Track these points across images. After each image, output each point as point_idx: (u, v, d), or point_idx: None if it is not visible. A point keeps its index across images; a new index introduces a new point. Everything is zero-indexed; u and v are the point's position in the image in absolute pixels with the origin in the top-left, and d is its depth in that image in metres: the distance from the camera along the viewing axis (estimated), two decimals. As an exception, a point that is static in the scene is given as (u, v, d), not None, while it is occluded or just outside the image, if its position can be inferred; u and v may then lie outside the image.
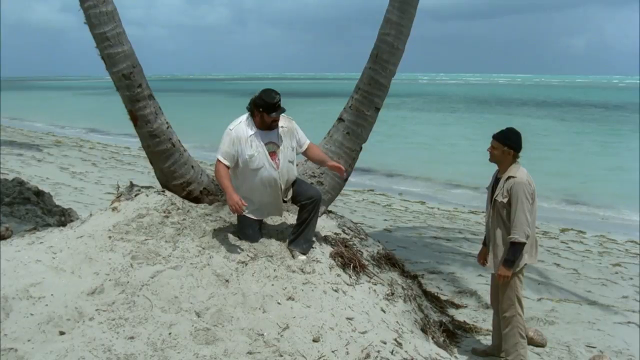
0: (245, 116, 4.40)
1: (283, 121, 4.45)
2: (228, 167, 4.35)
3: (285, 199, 4.55)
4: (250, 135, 4.31)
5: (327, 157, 4.69)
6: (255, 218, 4.51)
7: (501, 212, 4.34)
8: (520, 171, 4.33)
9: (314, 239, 4.57)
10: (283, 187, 4.45)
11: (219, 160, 4.35)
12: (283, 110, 4.30)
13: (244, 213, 4.42)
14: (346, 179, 5.63)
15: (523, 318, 4.50)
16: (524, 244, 4.27)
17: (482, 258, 4.77)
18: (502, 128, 4.45)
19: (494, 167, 4.53)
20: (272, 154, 4.36)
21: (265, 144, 4.34)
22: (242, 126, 4.35)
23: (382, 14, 5.41)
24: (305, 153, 4.65)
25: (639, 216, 12.00)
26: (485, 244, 4.75)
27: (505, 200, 4.29)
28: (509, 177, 4.31)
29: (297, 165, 4.79)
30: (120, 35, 4.69)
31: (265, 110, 4.23)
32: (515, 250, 4.28)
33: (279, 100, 4.25)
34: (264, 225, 4.68)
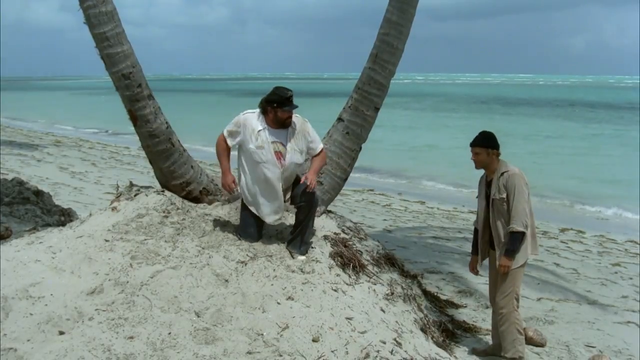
0: (258, 110, 4.38)
1: (296, 122, 4.40)
2: (228, 145, 4.41)
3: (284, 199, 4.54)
4: (260, 130, 4.29)
5: (312, 169, 4.46)
6: (254, 212, 4.48)
7: (501, 208, 4.36)
8: (510, 165, 4.43)
9: (311, 240, 4.56)
10: (284, 186, 4.45)
11: (222, 135, 4.41)
12: (296, 107, 4.29)
13: (247, 205, 4.46)
14: (345, 179, 5.63)
15: (520, 314, 4.51)
16: (523, 233, 4.29)
17: (474, 267, 4.81)
18: (476, 134, 4.51)
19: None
20: (278, 153, 4.33)
21: (272, 142, 4.32)
22: (253, 117, 4.35)
23: (382, 14, 5.42)
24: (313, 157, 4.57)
25: (639, 216, 12.00)
26: (474, 252, 4.77)
27: (503, 195, 4.33)
28: (502, 173, 4.36)
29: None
30: (120, 35, 4.69)
31: (279, 105, 4.22)
32: (514, 239, 4.31)
33: (292, 95, 4.26)
34: (264, 225, 4.67)
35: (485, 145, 4.40)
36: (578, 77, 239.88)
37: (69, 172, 14.50)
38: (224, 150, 4.45)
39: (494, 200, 4.39)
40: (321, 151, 4.56)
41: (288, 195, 4.55)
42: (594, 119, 36.14)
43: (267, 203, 4.45)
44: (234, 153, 4.52)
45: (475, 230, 4.73)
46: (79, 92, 78.74)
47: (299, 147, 4.40)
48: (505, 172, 4.35)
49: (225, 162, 4.46)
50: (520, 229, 4.27)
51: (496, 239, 4.47)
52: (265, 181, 4.36)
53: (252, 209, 4.48)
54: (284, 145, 4.34)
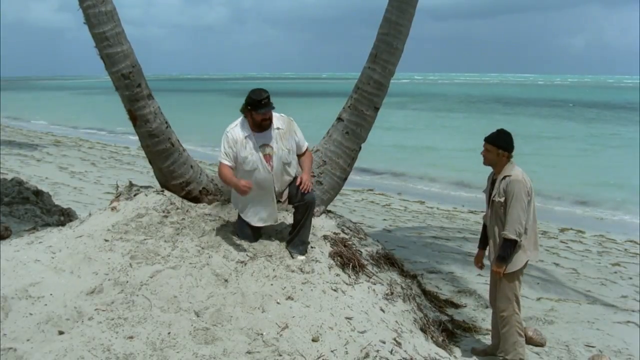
0: (240, 119, 4.41)
1: (280, 122, 4.41)
2: (232, 168, 4.33)
3: (281, 200, 4.55)
4: (245, 137, 4.30)
5: (305, 170, 4.48)
6: (251, 224, 4.49)
7: (499, 211, 4.36)
8: (515, 170, 4.36)
9: (310, 240, 4.56)
10: (277, 189, 4.45)
11: (221, 163, 4.35)
12: (272, 107, 4.28)
13: (242, 216, 4.43)
14: (345, 179, 5.63)
15: (520, 316, 4.50)
16: (515, 241, 4.28)
17: (479, 261, 4.81)
18: (493, 130, 4.48)
19: (493, 166, 4.55)
20: (267, 156, 4.34)
21: (260, 147, 4.32)
22: (237, 129, 4.35)
23: (382, 14, 5.42)
24: (298, 156, 4.58)
25: (639, 216, 12.00)
26: (481, 246, 4.78)
27: (502, 199, 4.31)
28: (505, 177, 4.34)
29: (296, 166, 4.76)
30: (120, 34, 4.68)
31: (253, 108, 4.23)
32: (506, 247, 4.30)
33: (266, 97, 4.23)
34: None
35: (497, 144, 4.37)
36: (577, 77, 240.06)
37: (68, 172, 14.50)
38: (229, 173, 4.32)
39: (493, 202, 4.39)
40: (306, 150, 4.59)
41: (286, 196, 4.55)
42: (594, 119, 36.14)
43: (261, 209, 4.46)
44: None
45: (484, 225, 4.72)
46: (79, 92, 78.68)
47: (286, 147, 4.41)
48: (507, 176, 4.32)
49: (232, 177, 4.31)
50: (512, 236, 4.25)
51: (492, 240, 4.47)
52: (259, 186, 4.36)
53: (248, 219, 4.48)
54: (271, 147, 4.35)
